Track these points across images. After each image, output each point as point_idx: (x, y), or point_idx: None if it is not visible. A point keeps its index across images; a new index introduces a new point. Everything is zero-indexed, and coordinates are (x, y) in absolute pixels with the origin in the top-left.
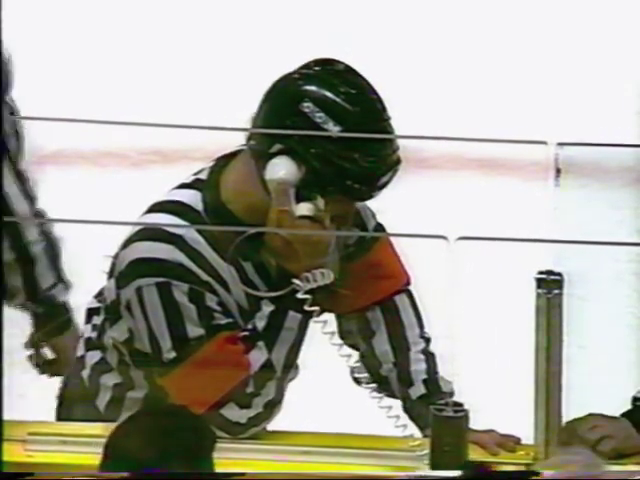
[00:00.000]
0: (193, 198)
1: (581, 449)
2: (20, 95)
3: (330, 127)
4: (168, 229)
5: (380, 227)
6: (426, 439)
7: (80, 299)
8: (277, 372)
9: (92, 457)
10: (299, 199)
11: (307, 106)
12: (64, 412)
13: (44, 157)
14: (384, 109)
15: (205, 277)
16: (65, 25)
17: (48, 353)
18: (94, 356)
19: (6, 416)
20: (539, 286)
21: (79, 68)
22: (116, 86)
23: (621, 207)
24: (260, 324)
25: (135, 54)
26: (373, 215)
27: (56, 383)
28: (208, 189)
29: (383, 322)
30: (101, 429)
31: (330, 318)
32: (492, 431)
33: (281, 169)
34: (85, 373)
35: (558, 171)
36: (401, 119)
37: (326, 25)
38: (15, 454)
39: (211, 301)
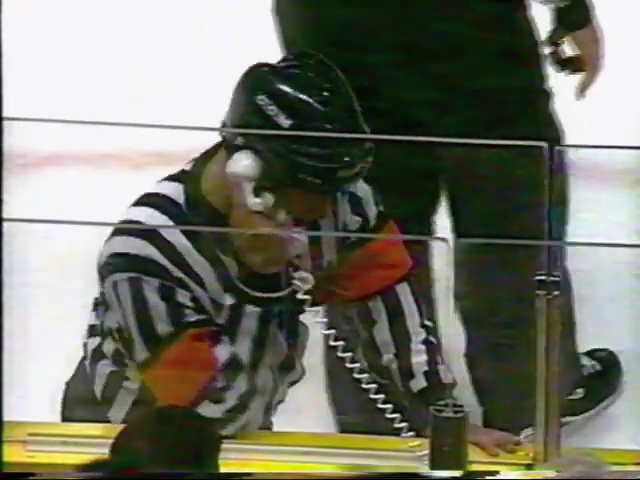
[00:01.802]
0: (175, 191)
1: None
2: (19, 96)
3: (282, 120)
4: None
5: (383, 214)
6: (426, 439)
7: (79, 299)
8: (243, 366)
9: (93, 457)
10: (257, 194)
11: (261, 99)
12: (69, 405)
13: (43, 159)
14: (351, 103)
15: (177, 273)
16: (64, 24)
17: (567, 50)
18: (94, 343)
19: (6, 417)
20: (539, 287)
21: (79, 69)
22: (117, 87)
23: (620, 209)
24: (231, 319)
25: (135, 55)
26: (377, 202)
27: (57, 383)
28: (190, 181)
29: (384, 311)
30: (102, 430)
31: (321, 308)
32: (492, 431)
33: (237, 163)
34: (87, 361)
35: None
36: None
37: None
38: (16, 454)
39: (183, 297)
